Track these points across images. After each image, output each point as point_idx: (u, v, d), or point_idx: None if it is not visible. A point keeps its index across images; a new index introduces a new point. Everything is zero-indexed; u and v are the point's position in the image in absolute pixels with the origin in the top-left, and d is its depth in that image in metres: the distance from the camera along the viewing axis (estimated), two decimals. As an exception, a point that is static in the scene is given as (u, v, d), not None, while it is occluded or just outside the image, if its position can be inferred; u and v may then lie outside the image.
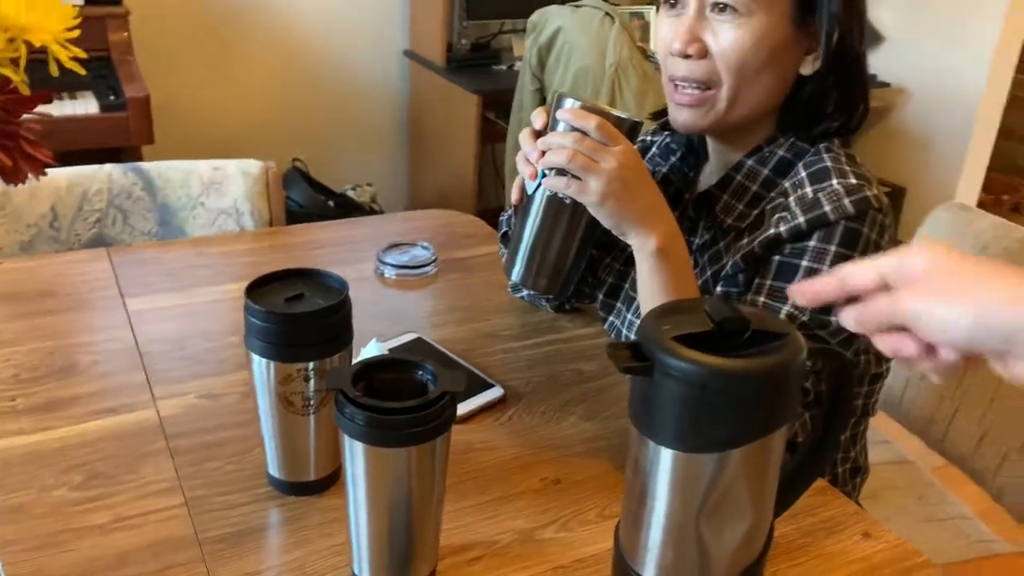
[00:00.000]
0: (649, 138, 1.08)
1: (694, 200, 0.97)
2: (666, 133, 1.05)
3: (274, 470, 0.78)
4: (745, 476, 0.61)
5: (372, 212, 2.64)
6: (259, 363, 0.73)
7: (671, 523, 0.63)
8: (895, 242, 0.90)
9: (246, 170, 1.33)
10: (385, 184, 3.04)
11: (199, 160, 1.36)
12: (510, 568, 0.72)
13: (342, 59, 2.88)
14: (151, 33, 2.42)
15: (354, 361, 0.71)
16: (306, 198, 2.42)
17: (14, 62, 0.46)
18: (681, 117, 0.92)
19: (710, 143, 0.99)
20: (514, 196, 0.89)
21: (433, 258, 1.23)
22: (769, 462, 0.61)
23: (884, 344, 0.55)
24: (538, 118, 0.87)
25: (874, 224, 0.85)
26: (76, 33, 0.47)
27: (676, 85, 0.91)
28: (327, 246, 1.31)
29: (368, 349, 0.94)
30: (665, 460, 0.61)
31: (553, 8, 2.22)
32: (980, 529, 1.24)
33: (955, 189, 3.13)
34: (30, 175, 0.59)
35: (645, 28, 3.04)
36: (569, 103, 0.84)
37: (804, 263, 0.84)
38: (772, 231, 0.86)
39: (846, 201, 0.84)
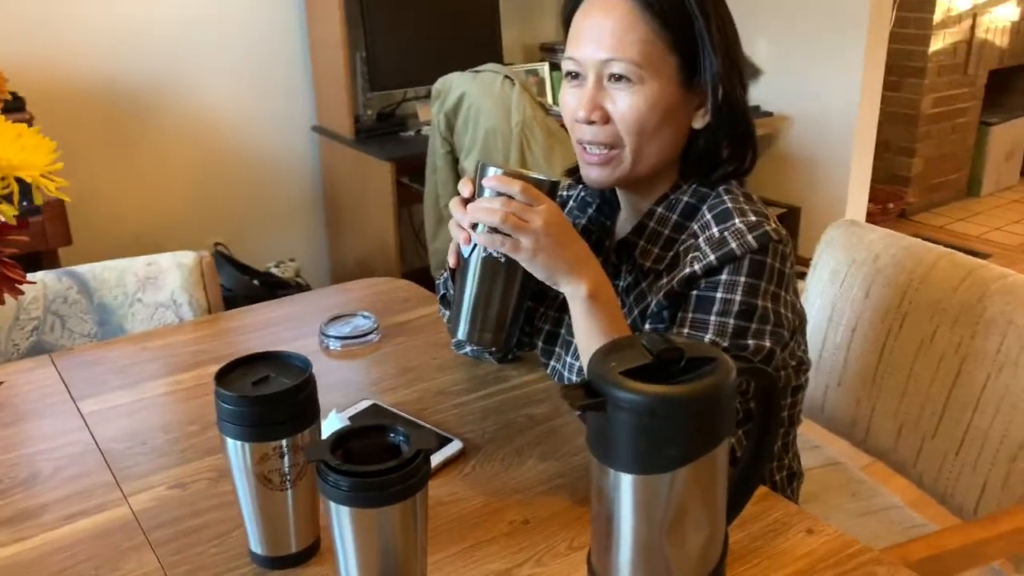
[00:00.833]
0: (565, 193, 1.16)
1: (614, 247, 1.05)
2: (580, 187, 1.14)
3: (256, 547, 0.81)
4: (698, 489, 0.68)
5: (298, 287, 2.67)
6: (234, 446, 0.77)
7: (638, 542, 0.69)
8: (794, 265, 1.00)
9: (181, 262, 1.36)
10: (306, 258, 3.08)
11: (132, 257, 1.38)
12: (494, 607, 0.77)
13: (252, 141, 2.92)
14: (57, 134, 2.40)
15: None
16: (232, 281, 2.43)
17: (6, 198, 0.51)
18: (592, 174, 1.01)
19: (621, 194, 1.08)
20: (451, 260, 0.96)
21: (375, 326, 1.28)
22: (717, 474, 0.69)
23: None
24: (465, 188, 0.94)
25: (776, 254, 0.94)
26: (60, 166, 0.52)
27: (584, 147, 1.00)
28: (267, 327, 1.34)
29: (329, 421, 0.99)
30: (626, 484, 0.67)
31: (455, 75, 2.32)
32: (911, 516, 1.34)
33: (845, 203, 3.35)
34: (6, 295, 0.62)
35: (541, 84, 3.19)
36: (492, 171, 0.91)
37: (718, 295, 0.93)
38: (688, 270, 0.95)
39: (749, 237, 0.93)
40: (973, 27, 4.22)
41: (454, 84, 2.28)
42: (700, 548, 0.70)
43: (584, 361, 0.93)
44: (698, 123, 0.99)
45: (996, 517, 1.11)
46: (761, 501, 0.89)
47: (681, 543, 0.69)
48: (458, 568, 0.81)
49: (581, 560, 0.81)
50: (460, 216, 0.92)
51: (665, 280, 0.98)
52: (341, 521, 0.67)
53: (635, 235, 1.02)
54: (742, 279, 0.92)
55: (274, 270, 2.71)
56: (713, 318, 0.91)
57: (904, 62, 4.10)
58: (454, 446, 0.99)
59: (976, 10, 4.20)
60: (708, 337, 0.91)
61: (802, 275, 1.14)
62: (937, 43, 4.09)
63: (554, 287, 0.91)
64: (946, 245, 1.38)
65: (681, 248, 0.99)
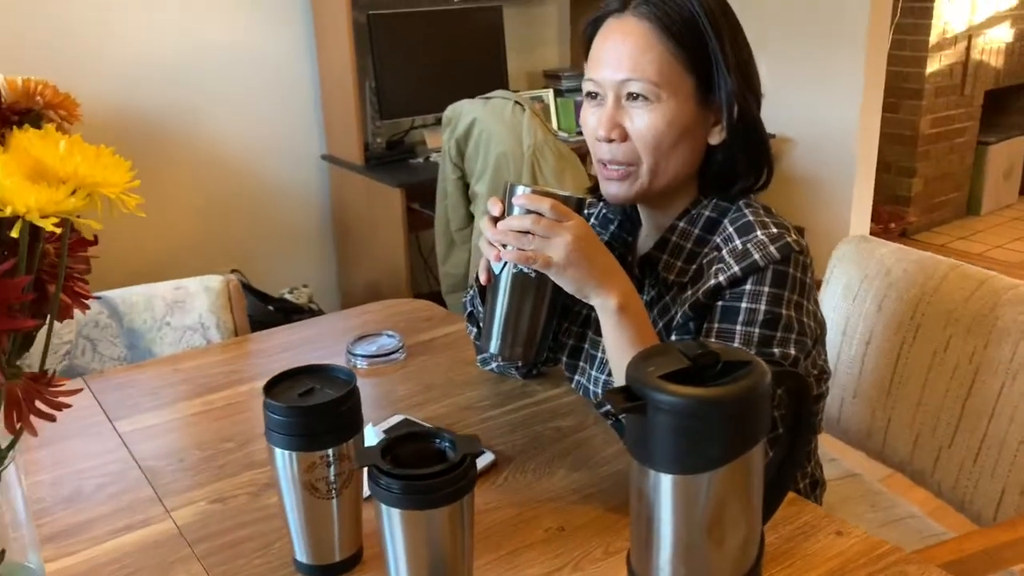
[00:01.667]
0: (586, 211, 1.20)
1: (637, 262, 1.08)
2: (601, 204, 1.17)
3: (301, 556, 0.83)
4: (735, 489, 0.70)
5: (311, 312, 2.69)
6: (282, 455, 0.79)
7: (678, 541, 0.72)
8: (814, 276, 1.03)
9: (208, 285, 1.39)
10: (317, 283, 3.11)
11: (161, 282, 1.41)
12: (536, 610, 0.79)
13: (263, 170, 2.97)
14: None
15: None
16: (248, 306, 2.45)
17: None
18: (611, 190, 1.04)
19: (642, 210, 1.11)
20: (482, 277, 0.99)
21: (400, 344, 1.31)
22: (753, 474, 0.71)
23: None
24: (495, 206, 0.97)
25: (797, 264, 0.98)
26: (137, 183, 0.55)
27: (604, 164, 1.03)
28: (294, 347, 1.37)
29: (366, 433, 1.01)
30: (666, 485, 0.70)
31: (464, 103, 2.37)
32: (930, 525, 1.36)
33: (848, 223, 3.40)
34: (75, 310, 0.65)
35: (545, 110, 3.24)
36: (521, 189, 0.95)
37: (743, 305, 0.96)
38: (712, 281, 0.98)
39: (772, 248, 0.96)
40: (968, 48, 4.29)
41: (464, 111, 2.33)
42: (738, 547, 0.72)
43: (615, 371, 0.96)
44: (714, 139, 1.03)
45: (1016, 522, 1.13)
46: (790, 506, 0.91)
47: (720, 542, 0.71)
48: (499, 573, 0.83)
49: (618, 564, 0.83)
50: (491, 234, 0.95)
51: (690, 292, 1.01)
52: (392, 523, 0.70)
53: (658, 249, 1.05)
54: (766, 289, 0.95)
55: (288, 296, 2.74)
56: (739, 328, 0.94)
57: (901, 84, 4.17)
58: (486, 458, 1.01)
59: (971, 32, 4.27)
60: (735, 347, 0.94)
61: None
62: (933, 65, 4.16)
63: (584, 300, 0.94)
64: (951, 262, 1.41)
65: (704, 261, 1.02)
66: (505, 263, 0.95)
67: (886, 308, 1.40)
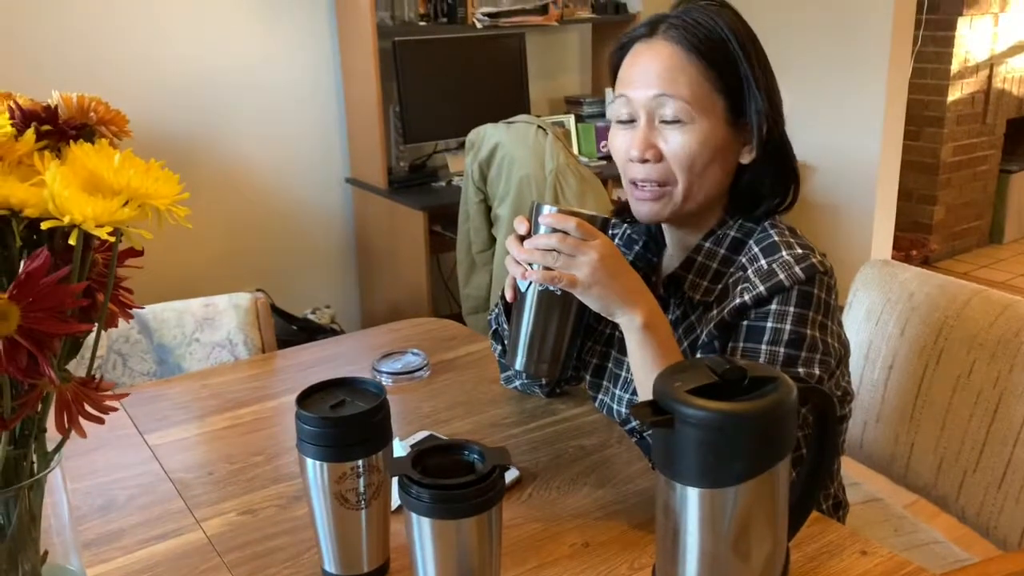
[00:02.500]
0: (611, 231, 1.21)
1: (663, 281, 1.09)
2: (626, 225, 1.19)
3: (330, 566, 0.85)
4: (762, 503, 0.71)
5: (334, 332, 2.72)
6: (314, 466, 0.81)
7: (704, 555, 0.72)
8: (838, 297, 1.04)
9: (237, 303, 1.42)
10: (339, 304, 3.14)
11: (190, 299, 1.44)
12: (562, 624, 0.79)
13: (288, 192, 3.02)
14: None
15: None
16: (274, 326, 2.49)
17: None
18: (643, 210, 1.06)
19: (668, 230, 1.12)
20: (508, 295, 1.00)
21: (425, 362, 1.32)
22: (779, 488, 0.72)
23: None
24: (521, 225, 0.99)
25: (822, 285, 0.99)
26: (187, 196, 0.58)
27: (636, 184, 1.05)
28: (321, 364, 1.39)
29: (394, 447, 1.02)
30: (692, 499, 0.71)
31: (488, 127, 2.40)
32: (954, 551, 1.35)
33: (869, 250, 3.39)
34: (120, 319, 0.67)
35: (567, 136, 3.27)
36: (547, 209, 0.96)
37: (769, 324, 0.97)
38: (738, 300, 0.99)
39: (797, 269, 0.97)
40: (990, 77, 4.30)
41: (487, 135, 2.36)
42: (764, 561, 0.73)
43: (640, 389, 0.97)
44: (744, 159, 1.05)
45: (1043, 546, 1.12)
46: (814, 524, 0.92)
47: (746, 556, 0.72)
48: (525, 587, 0.84)
49: (643, 580, 0.84)
50: (517, 252, 0.96)
51: (715, 312, 1.02)
52: (422, 532, 0.71)
53: (683, 269, 1.06)
54: (791, 309, 0.96)
55: (311, 316, 2.77)
56: (764, 347, 0.95)
57: (923, 112, 4.17)
58: (511, 474, 1.02)
59: (993, 60, 4.28)
60: (761, 363, 0.95)
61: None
62: (955, 93, 4.16)
63: (610, 318, 0.96)
64: (973, 289, 1.41)
65: (730, 281, 1.03)
66: (531, 281, 0.97)
67: (909, 332, 1.40)
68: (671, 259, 1.13)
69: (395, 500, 0.89)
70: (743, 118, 1.02)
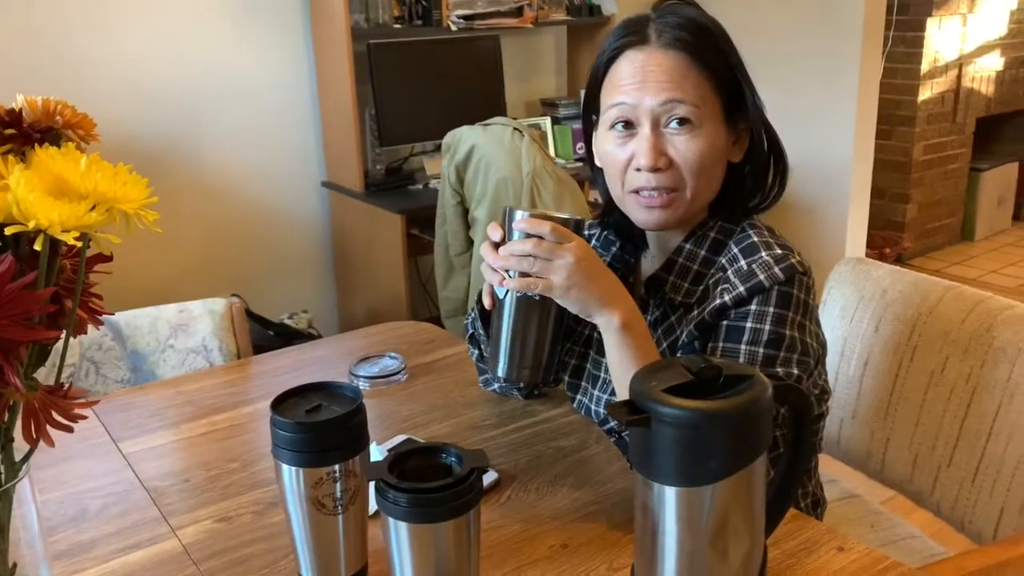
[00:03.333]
0: (587, 232, 1.21)
1: (644, 283, 1.09)
2: (601, 227, 1.19)
3: (307, 572, 0.84)
4: (739, 500, 0.71)
5: (311, 337, 2.70)
6: (289, 472, 0.80)
7: (682, 554, 0.72)
8: (816, 297, 1.05)
9: (212, 309, 1.41)
10: (317, 309, 3.12)
11: (164, 305, 1.42)
12: (541, 626, 0.79)
13: (264, 196, 2.99)
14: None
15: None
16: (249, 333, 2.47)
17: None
18: (654, 217, 1.02)
19: (652, 233, 1.12)
20: (486, 302, 1.00)
21: (403, 366, 1.32)
22: (756, 486, 0.72)
23: None
24: (495, 232, 0.98)
25: (801, 285, 0.99)
26: (155, 200, 0.57)
27: (639, 192, 1.02)
28: (297, 369, 1.38)
29: (371, 452, 1.02)
30: (670, 498, 0.71)
31: (464, 129, 2.40)
32: (930, 545, 1.36)
33: (843, 249, 3.42)
34: (90, 325, 0.66)
35: (543, 137, 3.28)
36: (520, 214, 0.96)
37: (748, 324, 0.97)
38: (718, 301, 0.99)
39: (776, 269, 0.98)
40: (959, 77, 4.36)
41: (464, 137, 2.36)
42: (742, 559, 0.73)
43: (618, 389, 0.97)
44: (735, 158, 1.05)
45: (1016, 538, 1.14)
46: (791, 522, 0.92)
47: (724, 554, 0.72)
48: (504, 590, 0.84)
49: (622, 580, 0.84)
50: (492, 259, 0.96)
51: (695, 312, 1.02)
52: (399, 537, 0.71)
53: (664, 271, 1.07)
54: (771, 310, 0.96)
55: (288, 321, 2.75)
56: (743, 347, 0.95)
57: (894, 111, 4.22)
58: (490, 476, 1.02)
59: (962, 60, 4.34)
60: (737, 362, 0.95)
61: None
62: (925, 92, 4.21)
63: (588, 319, 0.96)
64: (944, 288, 1.42)
65: (710, 282, 1.03)
66: (508, 288, 0.96)
67: (883, 329, 1.41)
68: (651, 260, 1.13)
69: (373, 505, 0.88)
70: (734, 116, 1.03)
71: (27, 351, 0.55)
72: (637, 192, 1.02)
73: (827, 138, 3.38)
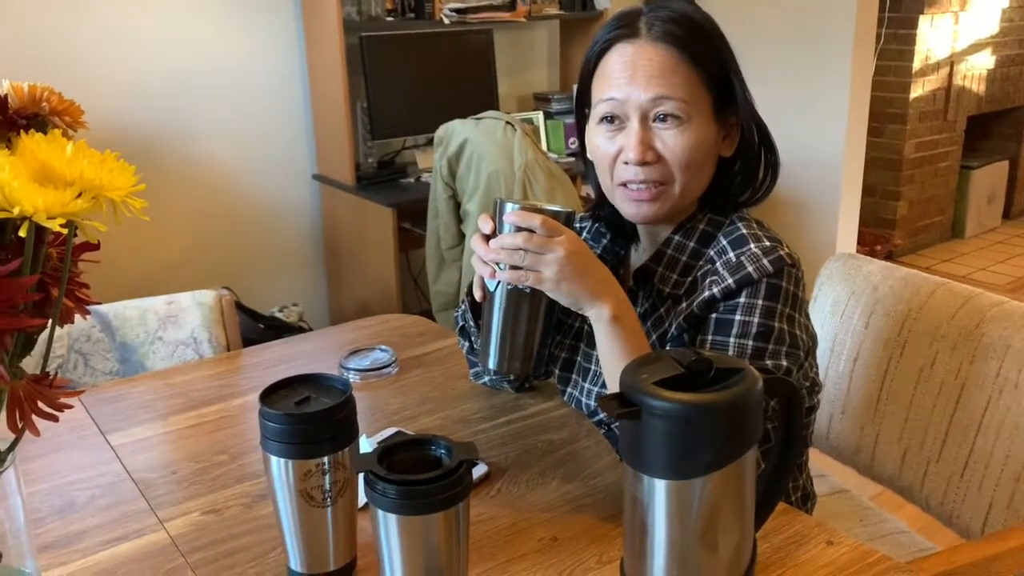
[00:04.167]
0: (579, 224, 1.21)
1: (633, 274, 1.09)
2: (592, 219, 1.19)
3: (296, 564, 0.83)
4: (728, 494, 0.71)
5: (302, 330, 2.69)
6: (278, 463, 0.79)
7: (672, 547, 0.72)
8: (806, 289, 1.05)
9: (201, 301, 1.40)
10: (307, 302, 3.11)
11: (153, 297, 1.41)
12: (530, 619, 0.79)
13: (254, 190, 2.98)
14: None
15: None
16: (240, 324, 2.46)
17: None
18: (643, 210, 1.03)
19: (642, 226, 1.11)
20: (477, 294, 0.99)
21: (393, 359, 1.31)
22: (746, 479, 0.72)
23: None
24: (486, 224, 0.97)
25: (790, 277, 0.99)
26: (143, 187, 0.56)
27: (628, 185, 1.02)
28: (287, 361, 1.37)
29: (360, 445, 1.01)
30: (660, 491, 0.71)
31: (456, 123, 2.39)
32: (918, 540, 1.37)
33: (834, 246, 3.43)
34: (77, 315, 0.66)
35: (536, 132, 3.27)
36: (510, 207, 0.95)
37: (737, 317, 0.97)
38: (707, 293, 0.99)
39: (765, 261, 0.98)
40: (951, 75, 4.37)
41: (456, 131, 2.35)
42: (731, 553, 0.73)
43: (608, 381, 0.97)
44: (725, 152, 1.05)
45: (1004, 534, 1.14)
46: (781, 515, 0.92)
47: (713, 548, 0.72)
48: (493, 582, 0.84)
49: (612, 573, 0.83)
50: (483, 252, 0.95)
51: (684, 305, 1.02)
52: (388, 529, 0.70)
53: (653, 262, 1.07)
54: (759, 302, 0.96)
55: (278, 314, 2.74)
56: (732, 340, 0.95)
57: (886, 109, 4.23)
58: (480, 469, 1.01)
59: (953, 59, 4.35)
60: (727, 355, 0.95)
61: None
62: (917, 90, 4.22)
63: (579, 312, 0.95)
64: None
65: (699, 274, 1.03)
66: (499, 281, 0.96)
67: (873, 325, 1.42)
68: (642, 252, 1.13)
69: (362, 497, 0.88)
70: (725, 111, 1.03)
71: (12, 339, 0.55)
72: (625, 185, 1.02)
73: (819, 135, 3.39)
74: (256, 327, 2.54)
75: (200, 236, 2.90)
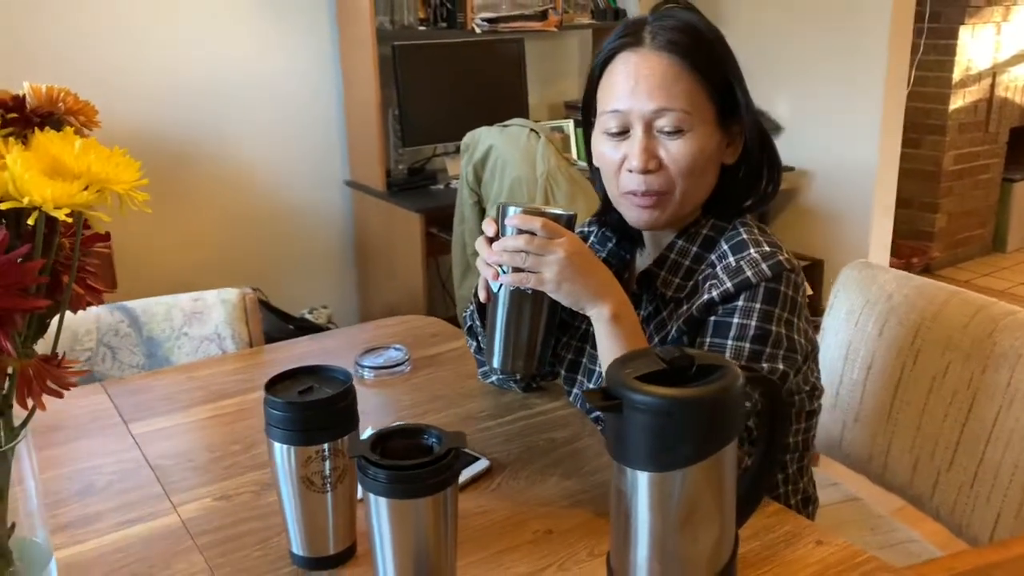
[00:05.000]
0: (586, 229, 1.23)
1: (637, 277, 1.11)
2: (598, 225, 1.21)
3: (297, 548, 0.87)
4: (709, 486, 0.73)
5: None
6: (281, 450, 0.83)
7: (654, 538, 0.74)
8: (806, 294, 1.06)
9: (225, 298, 1.45)
10: (337, 305, 3.17)
11: (179, 294, 1.46)
12: (519, 606, 0.81)
13: (287, 194, 3.05)
14: (105, 186, 2.55)
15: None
16: (269, 325, 2.51)
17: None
18: (645, 217, 1.05)
19: (647, 231, 1.13)
20: (482, 296, 1.03)
21: (406, 357, 1.35)
22: (726, 472, 0.74)
23: None
24: (490, 227, 1.00)
25: (788, 282, 1.00)
26: (145, 181, 0.60)
27: (633, 193, 1.04)
28: (306, 358, 1.39)
29: (367, 436, 1.04)
30: (642, 482, 0.73)
31: (483, 129, 2.43)
32: (930, 549, 1.36)
33: (867, 255, 3.40)
34: (90, 303, 0.70)
35: (566, 140, 3.30)
36: (512, 211, 0.98)
37: (735, 320, 0.99)
38: (706, 296, 1.01)
39: (763, 266, 0.99)
40: (993, 86, 4.30)
41: (482, 137, 2.39)
42: (712, 545, 0.75)
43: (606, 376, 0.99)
44: (728, 160, 1.07)
45: (1008, 542, 1.14)
46: (773, 515, 0.93)
47: (694, 539, 0.74)
48: (485, 571, 0.86)
49: (601, 566, 0.86)
50: (486, 255, 0.99)
51: (685, 307, 1.04)
52: (379, 512, 0.73)
53: (657, 266, 1.08)
54: (757, 306, 0.98)
55: (308, 316, 2.80)
56: (730, 342, 0.97)
57: (924, 120, 4.18)
58: (481, 464, 1.04)
59: (995, 69, 4.28)
60: (710, 352, 0.97)
61: (816, 326, 1.19)
62: (957, 101, 4.17)
63: (581, 312, 0.98)
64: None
65: (700, 277, 1.05)
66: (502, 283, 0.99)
67: (887, 333, 1.42)
68: (646, 257, 1.15)
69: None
70: (728, 120, 1.04)
71: (23, 320, 0.59)
72: (630, 193, 1.04)
73: (852, 144, 3.36)
74: (286, 328, 2.60)
75: (234, 238, 2.98)
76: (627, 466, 0.73)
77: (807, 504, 1.15)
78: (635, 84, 1.01)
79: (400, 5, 2.94)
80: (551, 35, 3.41)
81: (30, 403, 0.60)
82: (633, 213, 1.06)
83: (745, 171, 1.08)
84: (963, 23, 4.04)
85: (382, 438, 0.77)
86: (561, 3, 3.24)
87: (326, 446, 0.83)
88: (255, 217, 3.01)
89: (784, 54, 3.41)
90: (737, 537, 0.78)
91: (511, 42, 3.17)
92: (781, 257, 1.01)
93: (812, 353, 1.09)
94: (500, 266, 0.97)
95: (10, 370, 0.61)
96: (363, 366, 1.32)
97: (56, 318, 0.64)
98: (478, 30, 3.07)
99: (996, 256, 4.61)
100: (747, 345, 0.97)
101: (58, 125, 0.65)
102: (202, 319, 1.45)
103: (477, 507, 0.97)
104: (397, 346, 1.37)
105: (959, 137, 4.25)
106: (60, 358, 0.61)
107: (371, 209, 3.06)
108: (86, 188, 0.57)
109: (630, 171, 1.03)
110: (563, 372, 1.19)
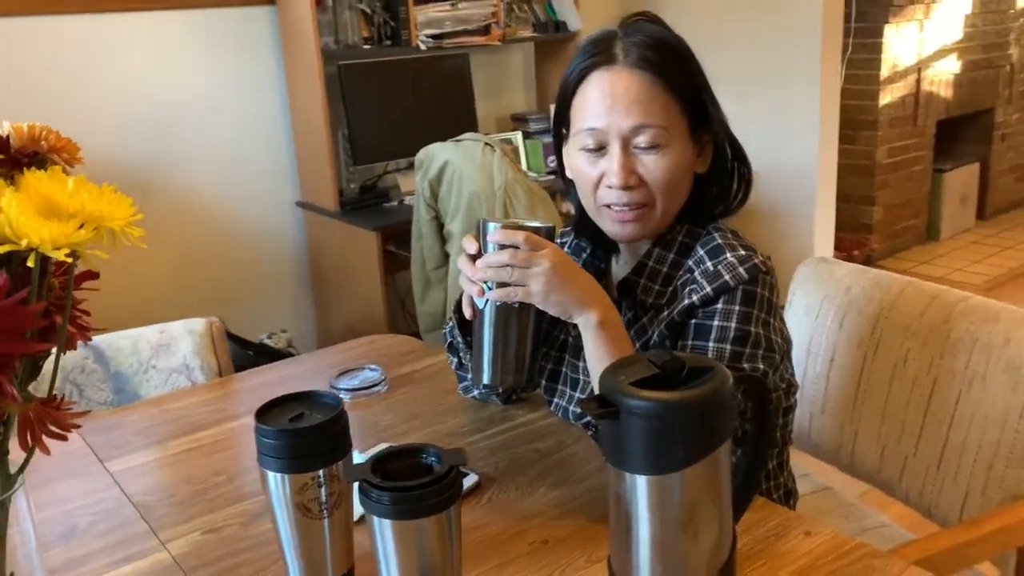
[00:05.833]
0: (559, 240, 1.25)
1: (616, 286, 1.13)
2: (572, 234, 1.23)
3: (296, 577, 0.86)
4: (706, 486, 0.75)
5: (291, 356, 2.71)
6: (275, 478, 0.82)
7: (655, 540, 0.76)
8: (779, 295, 1.09)
9: (192, 328, 1.43)
10: (295, 328, 3.14)
11: (145, 327, 1.44)
12: (524, 617, 0.82)
13: (239, 218, 3.01)
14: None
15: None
16: (230, 352, 2.48)
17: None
18: (626, 231, 1.07)
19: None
20: (467, 313, 1.03)
21: (382, 377, 1.35)
22: (722, 471, 0.76)
23: None
24: (471, 245, 1.01)
25: (765, 284, 1.03)
26: (140, 217, 0.60)
27: (611, 207, 1.06)
28: (279, 384, 1.40)
29: (359, 459, 1.04)
30: (641, 486, 0.74)
31: (436, 145, 2.44)
32: (902, 533, 1.40)
33: (811, 251, 3.49)
34: (79, 342, 0.69)
35: (515, 152, 3.32)
36: (492, 226, 1.00)
37: (716, 323, 1.01)
38: (686, 301, 1.03)
39: (741, 269, 1.02)
40: (919, 81, 4.46)
41: (436, 153, 2.40)
42: (712, 543, 0.77)
43: (596, 384, 1.00)
44: (700, 169, 1.09)
45: (978, 520, 1.18)
46: (761, 510, 0.96)
47: (694, 538, 0.76)
48: (486, 585, 0.87)
49: (601, 571, 0.87)
50: (470, 272, 0.99)
51: (666, 313, 1.06)
52: (384, 535, 0.73)
53: (636, 274, 1.11)
54: (736, 308, 1.00)
55: (267, 341, 2.76)
56: (711, 344, 0.99)
57: (857, 116, 4.31)
58: (470, 479, 1.05)
59: (920, 64, 4.45)
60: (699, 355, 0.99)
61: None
62: (886, 97, 4.31)
63: (568, 320, 0.99)
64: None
65: (679, 283, 1.08)
66: (488, 297, 1.00)
67: (847, 325, 1.46)
68: (623, 265, 1.16)
69: (358, 509, 0.91)
70: (699, 130, 1.07)
71: (21, 364, 0.58)
72: (609, 207, 1.06)
73: (792, 144, 3.46)
74: (245, 354, 2.56)
75: (188, 266, 2.93)
76: (626, 471, 0.74)
77: (788, 497, 1.18)
78: (612, 103, 1.02)
79: (344, 25, 2.94)
80: (495, 49, 3.44)
81: (32, 447, 0.59)
82: (615, 227, 1.08)
83: (716, 178, 1.10)
84: (888, 22, 4.19)
85: (381, 460, 0.77)
86: (503, 17, 3.27)
87: (321, 472, 0.83)
88: (208, 244, 2.96)
89: (719, 59, 3.49)
90: (735, 534, 0.80)
91: (456, 57, 3.19)
92: (757, 260, 1.04)
93: (787, 351, 1.13)
94: (485, 283, 0.98)
95: (7, 416, 0.60)
96: (339, 388, 1.32)
97: (51, 359, 0.63)
98: (423, 47, 3.08)
99: (931, 244, 4.77)
100: (728, 347, 1.00)
101: (42, 164, 0.64)
102: (169, 351, 1.43)
103: (470, 522, 0.97)
104: (372, 366, 1.37)
105: (890, 131, 4.39)
106: (59, 400, 0.60)
107: (324, 229, 3.04)
108: (81, 226, 0.57)
109: (609, 187, 1.05)
110: (544, 383, 1.21)
